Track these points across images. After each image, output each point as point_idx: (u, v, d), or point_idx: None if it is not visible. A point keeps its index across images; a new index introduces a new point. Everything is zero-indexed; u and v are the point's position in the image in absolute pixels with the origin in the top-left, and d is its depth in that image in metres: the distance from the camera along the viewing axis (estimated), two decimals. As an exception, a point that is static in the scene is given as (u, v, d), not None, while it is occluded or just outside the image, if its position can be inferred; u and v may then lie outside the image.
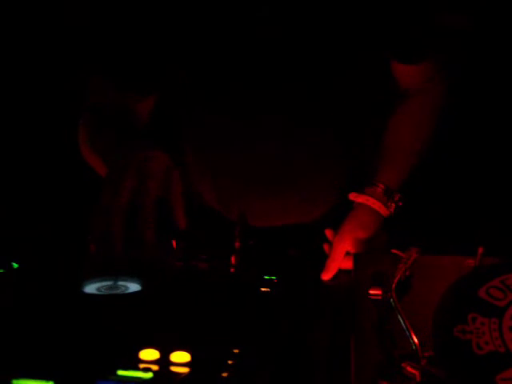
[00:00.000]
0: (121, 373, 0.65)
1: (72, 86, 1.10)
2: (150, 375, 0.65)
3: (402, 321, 0.71)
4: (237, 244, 0.97)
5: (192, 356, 0.68)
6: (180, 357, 0.68)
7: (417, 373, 0.65)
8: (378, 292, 0.80)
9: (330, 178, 1.16)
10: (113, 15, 0.98)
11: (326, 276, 1.00)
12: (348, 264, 1.01)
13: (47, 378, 0.64)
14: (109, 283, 0.83)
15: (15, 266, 0.90)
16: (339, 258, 1.02)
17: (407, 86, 1.12)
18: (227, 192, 1.17)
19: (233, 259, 0.94)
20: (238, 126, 1.08)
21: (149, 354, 0.68)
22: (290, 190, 1.15)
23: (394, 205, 1.08)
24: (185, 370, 0.66)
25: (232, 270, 0.93)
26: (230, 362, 0.68)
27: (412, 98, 1.13)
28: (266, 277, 0.89)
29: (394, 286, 0.78)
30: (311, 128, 1.09)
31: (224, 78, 1.02)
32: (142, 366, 0.67)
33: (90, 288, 0.82)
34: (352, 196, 1.09)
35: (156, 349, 0.69)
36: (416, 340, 0.69)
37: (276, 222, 1.17)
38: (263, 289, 0.86)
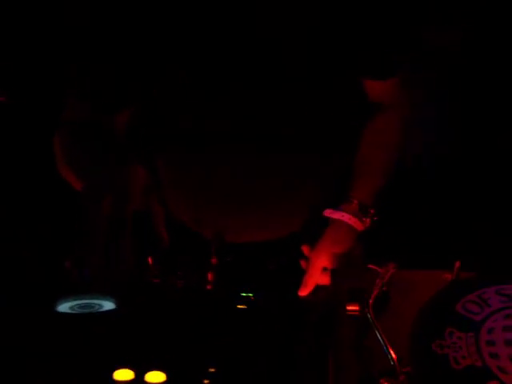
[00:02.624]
0: (94, 394, 0.64)
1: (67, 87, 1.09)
2: (124, 396, 0.64)
3: (379, 336, 0.71)
4: (213, 260, 0.96)
5: (167, 376, 0.67)
6: (155, 377, 0.67)
7: (395, 389, 0.65)
8: (356, 308, 0.79)
9: (306, 194, 1.16)
10: (112, 16, 0.98)
11: (304, 292, 1.00)
12: (325, 280, 1.00)
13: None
14: (83, 301, 0.81)
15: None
16: (316, 274, 1.02)
17: (376, 100, 1.13)
18: (202, 208, 1.17)
19: (209, 276, 0.93)
20: (222, 135, 1.08)
21: (123, 375, 0.67)
22: (265, 205, 1.14)
23: (369, 220, 1.08)
24: (160, 389, 0.65)
25: (209, 287, 0.92)
26: (206, 381, 0.67)
27: (382, 114, 1.14)
28: (243, 294, 0.88)
29: (371, 301, 0.77)
30: (291, 141, 1.09)
31: (222, 78, 1.01)
32: (116, 386, 0.65)
33: (64, 307, 0.81)
34: (327, 212, 1.09)
35: (131, 369, 0.67)
36: (394, 355, 0.68)
37: (252, 237, 1.17)
38: (240, 306, 0.85)
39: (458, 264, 0.85)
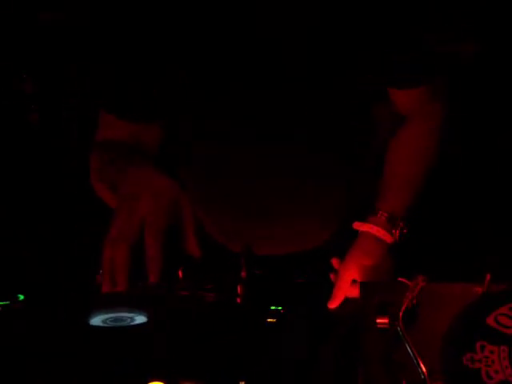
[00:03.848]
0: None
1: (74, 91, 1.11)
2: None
3: (409, 350, 0.71)
4: (243, 274, 0.96)
5: (198, 388, 0.67)
6: (186, 389, 0.67)
7: (426, 403, 0.65)
8: (385, 321, 0.79)
9: (333, 204, 1.16)
10: (112, 16, 0.99)
11: (333, 305, 1.00)
12: (354, 292, 1.00)
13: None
14: (115, 315, 0.82)
15: (21, 297, 0.90)
16: (345, 287, 1.02)
17: (404, 110, 1.13)
18: (229, 221, 1.17)
19: (239, 289, 0.93)
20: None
21: (155, 387, 0.68)
22: (292, 216, 1.14)
23: (398, 232, 1.08)
24: (191, 402, 0.66)
25: (238, 300, 0.92)
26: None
27: (411, 123, 1.13)
28: (273, 307, 0.89)
29: (401, 314, 0.77)
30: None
31: (224, 78, 1.02)
32: (148, 399, 0.66)
33: (96, 320, 0.82)
34: (356, 225, 1.09)
35: (162, 381, 0.68)
36: (424, 369, 0.68)
37: (280, 250, 1.17)
38: (269, 319, 0.85)
39: (488, 276, 0.84)
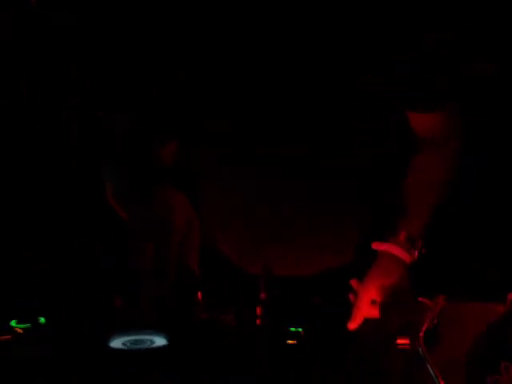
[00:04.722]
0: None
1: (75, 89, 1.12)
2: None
3: (431, 370, 0.70)
4: (262, 295, 0.96)
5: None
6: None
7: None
8: (406, 341, 0.79)
9: (351, 225, 1.16)
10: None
11: (353, 325, 0.99)
12: (374, 312, 1.00)
13: None
14: (135, 337, 0.83)
15: (42, 320, 0.90)
16: (365, 307, 1.01)
17: (423, 135, 1.13)
18: (247, 244, 1.17)
19: (258, 311, 0.93)
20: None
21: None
22: (310, 237, 1.14)
23: (417, 252, 1.07)
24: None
25: (258, 321, 0.92)
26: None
27: (427, 149, 1.13)
28: (292, 329, 0.88)
29: (421, 334, 0.77)
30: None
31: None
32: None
33: (116, 342, 0.82)
34: (375, 245, 1.09)
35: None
36: (447, 390, 0.67)
37: (298, 271, 1.16)
38: (289, 341, 0.85)
39: (510, 296, 0.83)
